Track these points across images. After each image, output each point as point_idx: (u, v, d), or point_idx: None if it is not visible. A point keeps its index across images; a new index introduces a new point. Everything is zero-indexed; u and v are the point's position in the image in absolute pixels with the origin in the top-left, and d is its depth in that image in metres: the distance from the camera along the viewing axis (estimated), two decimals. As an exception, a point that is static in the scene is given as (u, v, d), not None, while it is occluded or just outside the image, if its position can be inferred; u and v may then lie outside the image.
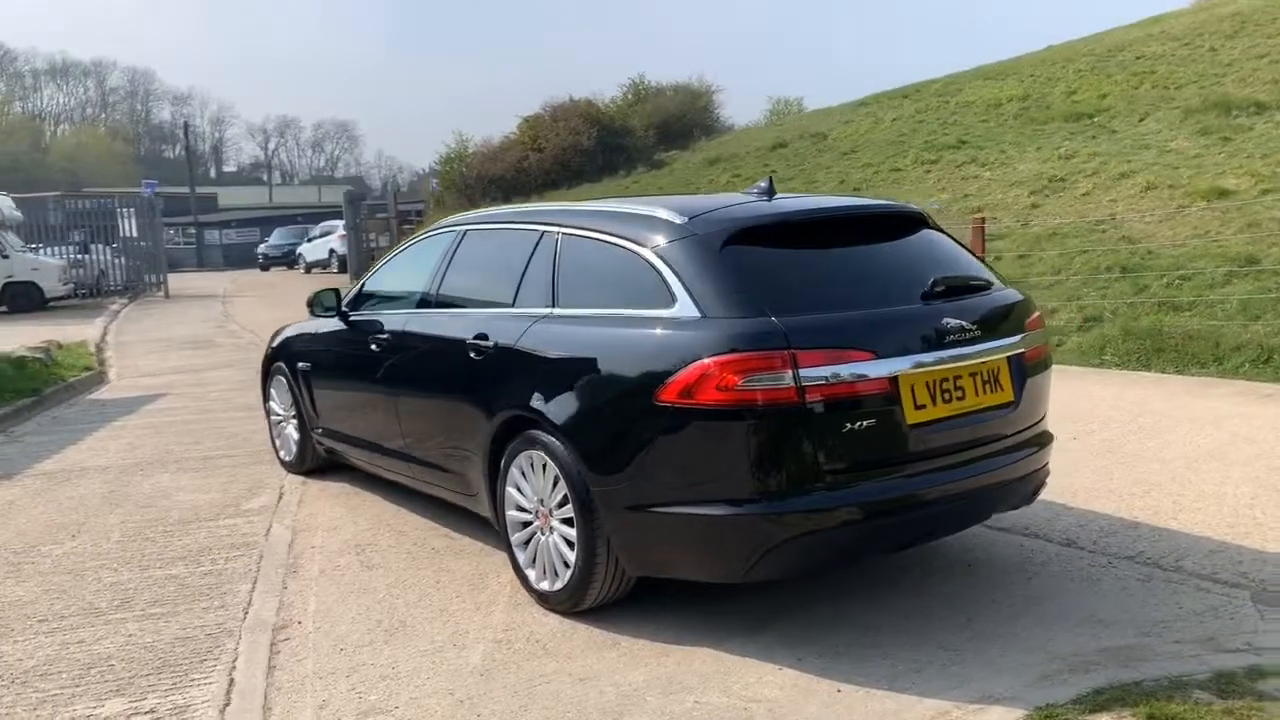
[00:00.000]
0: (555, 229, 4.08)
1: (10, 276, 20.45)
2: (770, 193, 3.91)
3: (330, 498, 5.63)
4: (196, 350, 13.61)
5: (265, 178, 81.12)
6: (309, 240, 33.94)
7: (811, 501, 3.21)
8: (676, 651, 3.44)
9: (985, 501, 3.66)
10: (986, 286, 3.77)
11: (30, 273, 20.77)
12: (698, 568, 3.44)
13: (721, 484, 3.23)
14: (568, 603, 3.73)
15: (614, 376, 3.52)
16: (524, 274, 4.14)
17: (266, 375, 6.43)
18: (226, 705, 3.22)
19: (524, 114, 32.58)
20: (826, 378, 3.16)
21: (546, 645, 3.54)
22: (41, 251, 22.91)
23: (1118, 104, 16.09)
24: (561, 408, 3.67)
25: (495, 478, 4.06)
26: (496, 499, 4.07)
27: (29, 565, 4.67)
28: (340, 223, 29.70)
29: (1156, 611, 3.55)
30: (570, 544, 3.67)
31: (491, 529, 4.34)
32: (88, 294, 23.37)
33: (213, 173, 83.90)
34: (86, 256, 23.70)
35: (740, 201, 3.84)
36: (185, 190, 47.73)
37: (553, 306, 3.94)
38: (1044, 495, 4.85)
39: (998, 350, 3.58)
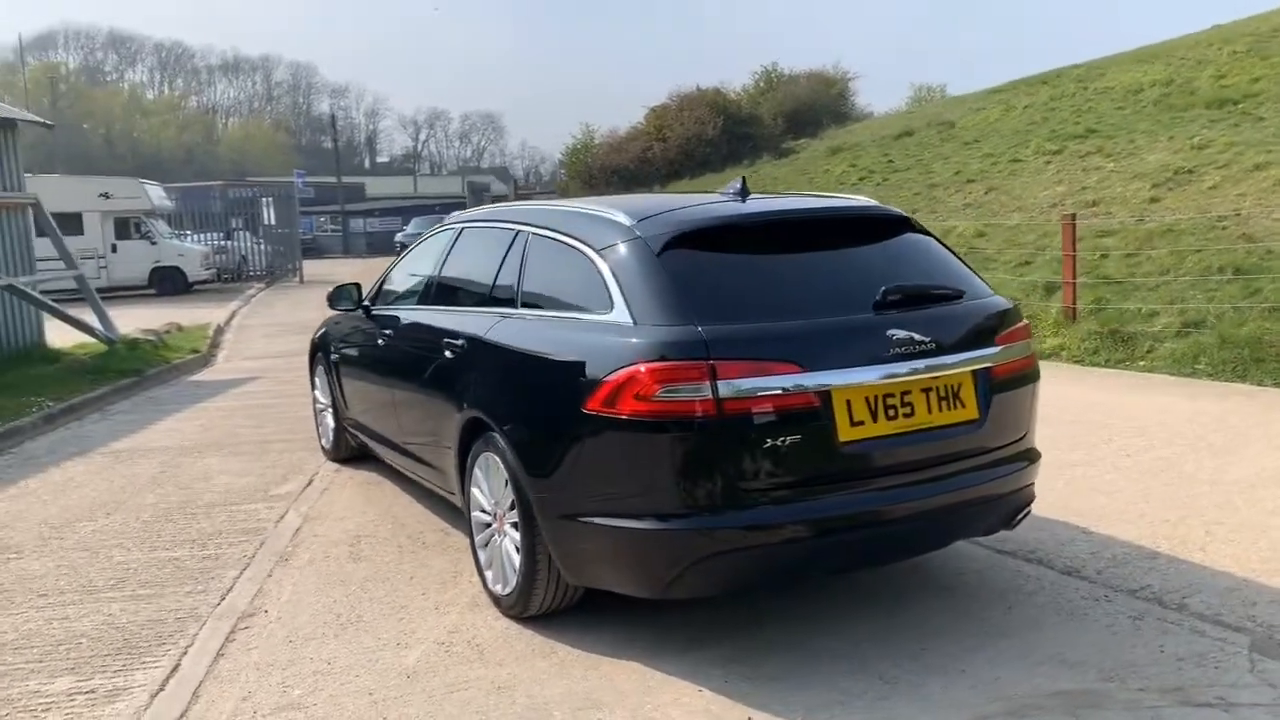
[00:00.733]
0: (527, 229, 4.03)
1: (158, 261, 22.05)
2: (744, 194, 3.74)
3: (354, 486, 5.76)
4: (303, 335, 14.15)
5: (413, 168, 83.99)
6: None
7: (737, 519, 3.05)
8: (607, 665, 3.34)
9: (949, 524, 3.41)
10: (956, 296, 3.49)
11: (175, 258, 22.31)
12: (620, 580, 3.33)
13: (646, 498, 3.11)
14: (516, 608, 3.69)
15: (551, 382, 3.45)
16: (497, 274, 4.12)
17: (312, 363, 6.63)
18: (160, 691, 3.31)
19: (652, 104, 32.75)
20: (748, 390, 3.00)
21: (484, 651, 3.51)
22: (187, 238, 24.49)
23: (1271, 88, 14.82)
24: (507, 411, 3.63)
25: (464, 477, 4.05)
26: (466, 499, 4.07)
27: (56, 540, 4.96)
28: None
29: (1132, 654, 3.23)
30: (519, 549, 3.63)
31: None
32: (230, 278, 24.88)
33: (366, 163, 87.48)
34: (230, 243, 25.23)
35: (702, 203, 3.69)
36: (334, 180, 49.93)
37: (516, 307, 3.90)
38: (1063, 517, 4.56)
39: (959, 364, 3.31)
